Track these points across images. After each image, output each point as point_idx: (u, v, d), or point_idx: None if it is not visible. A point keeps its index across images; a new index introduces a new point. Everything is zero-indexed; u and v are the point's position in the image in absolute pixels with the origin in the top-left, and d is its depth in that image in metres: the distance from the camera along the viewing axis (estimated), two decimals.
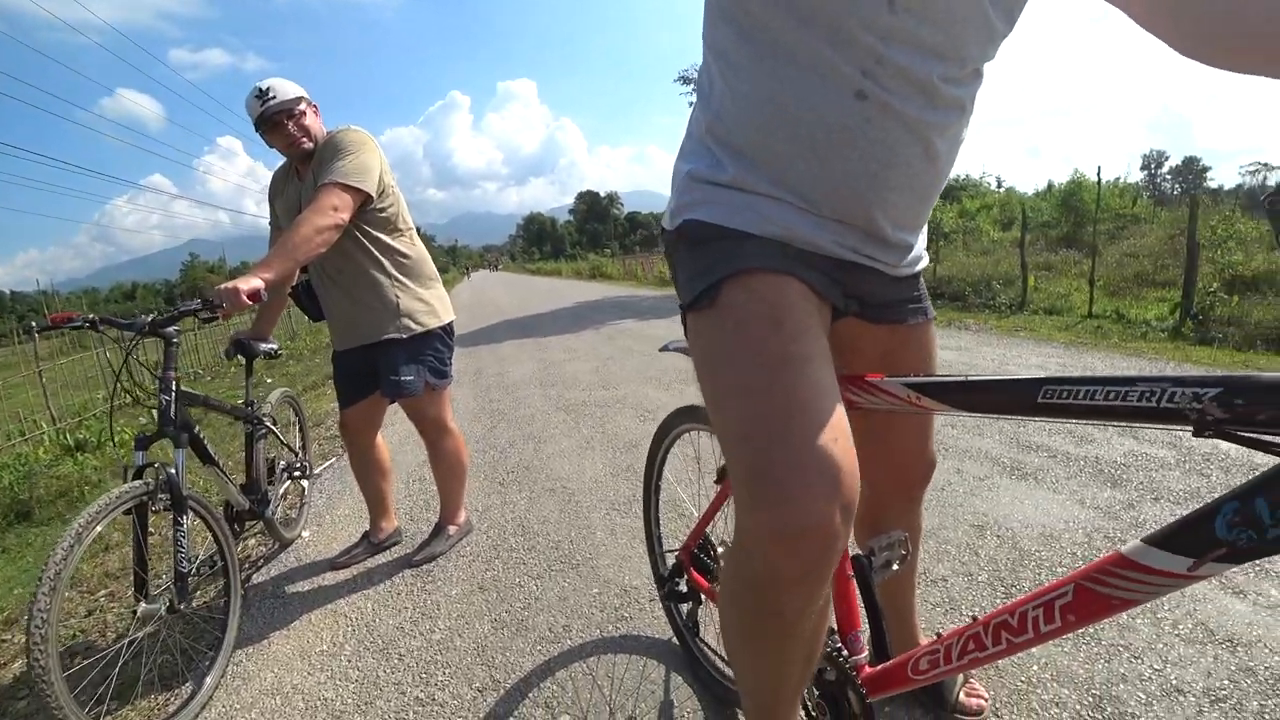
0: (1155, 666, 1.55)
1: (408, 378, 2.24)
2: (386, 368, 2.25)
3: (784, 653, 0.85)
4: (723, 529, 1.54)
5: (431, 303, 2.33)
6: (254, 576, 2.55)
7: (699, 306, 0.90)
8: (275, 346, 2.46)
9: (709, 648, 1.61)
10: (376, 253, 2.21)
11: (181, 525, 1.75)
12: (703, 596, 1.53)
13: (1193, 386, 0.66)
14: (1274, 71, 0.71)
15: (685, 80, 17.29)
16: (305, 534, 2.90)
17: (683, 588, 1.56)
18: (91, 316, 1.87)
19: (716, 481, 1.41)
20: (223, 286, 1.74)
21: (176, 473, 1.76)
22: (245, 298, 1.72)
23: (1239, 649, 1.59)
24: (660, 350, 1.62)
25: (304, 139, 2.13)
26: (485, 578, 2.30)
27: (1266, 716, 1.38)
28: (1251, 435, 0.64)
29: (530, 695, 1.64)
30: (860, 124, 0.84)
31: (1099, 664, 1.56)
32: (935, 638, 0.93)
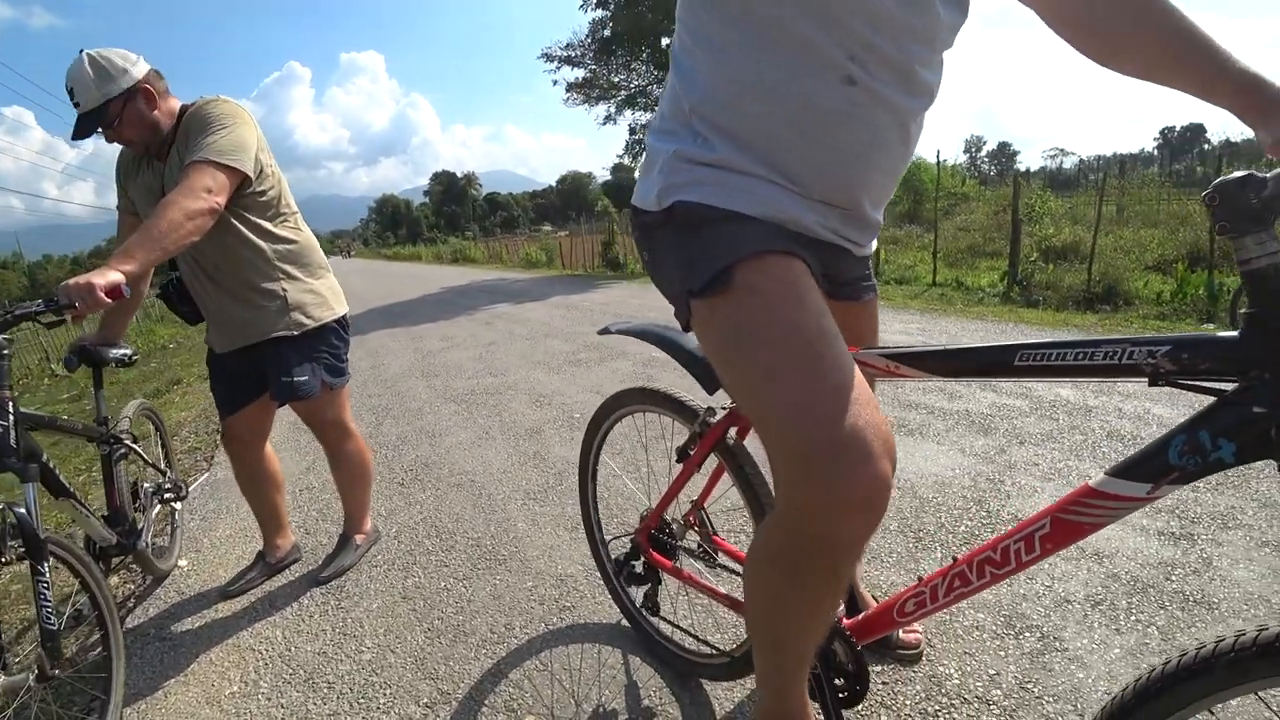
0: (1046, 584, 1.78)
1: (301, 378, 2.03)
2: (276, 369, 2.03)
3: (824, 609, 0.90)
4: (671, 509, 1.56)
5: (323, 294, 2.12)
6: (128, 618, 2.23)
7: (712, 291, 0.89)
8: (129, 351, 2.13)
9: (669, 623, 1.63)
10: (258, 241, 1.96)
11: (43, 574, 1.47)
12: (662, 576, 1.55)
13: (1147, 345, 0.77)
14: (1170, 81, 0.82)
15: (549, 58, 16.86)
16: (182, 563, 2.58)
17: (639, 570, 1.56)
18: None
19: (678, 460, 1.42)
20: (73, 282, 1.45)
21: (28, 512, 1.48)
22: (102, 294, 1.44)
23: (1104, 560, 1.86)
24: (600, 333, 1.59)
25: (146, 134, 1.82)
26: (407, 586, 2.17)
27: (1133, 611, 1.64)
28: (1193, 382, 0.76)
29: (487, 701, 1.58)
30: (849, 108, 0.88)
31: (1003, 588, 1.77)
32: (917, 581, 1.01)
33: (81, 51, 1.76)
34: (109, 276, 1.46)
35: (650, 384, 1.52)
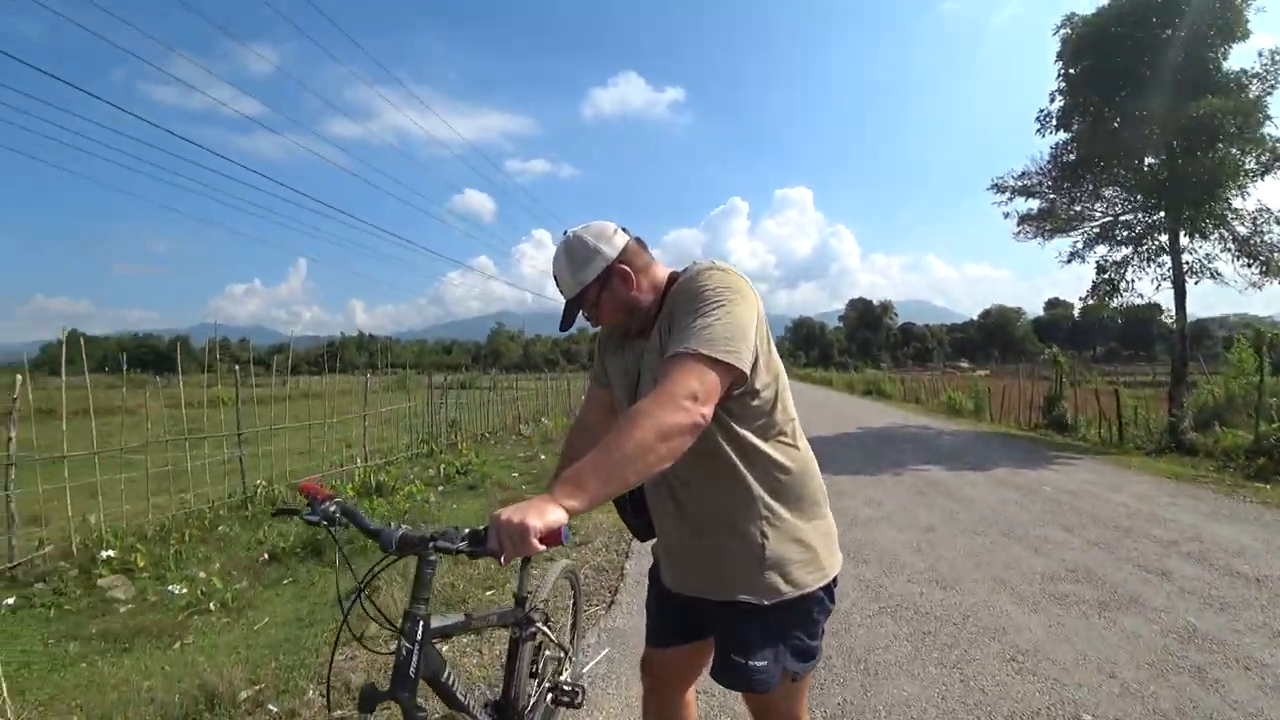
0: None
1: (758, 664, 1.38)
2: (727, 639, 1.45)
3: None
4: None
5: (813, 546, 1.45)
6: None
7: None
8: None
9: None
10: (740, 463, 1.41)
11: None
12: None
13: None
14: None
15: (999, 188, 15.14)
16: None
17: None
18: (335, 509, 1.36)
19: None
20: (506, 518, 1.10)
21: None
22: (536, 541, 1.08)
23: None
24: None
25: (622, 315, 1.50)
26: None
27: None
28: None
29: None
30: None
31: None
32: None
33: (565, 233, 1.52)
34: (548, 518, 1.09)
35: None
